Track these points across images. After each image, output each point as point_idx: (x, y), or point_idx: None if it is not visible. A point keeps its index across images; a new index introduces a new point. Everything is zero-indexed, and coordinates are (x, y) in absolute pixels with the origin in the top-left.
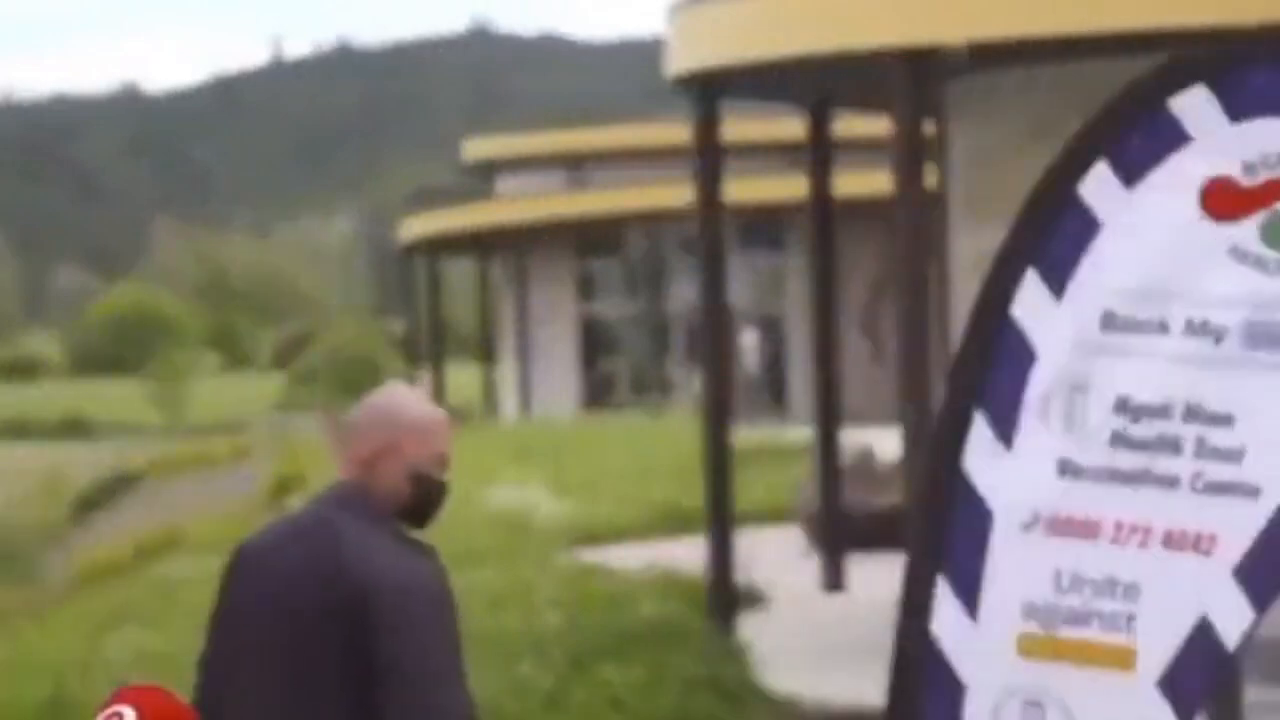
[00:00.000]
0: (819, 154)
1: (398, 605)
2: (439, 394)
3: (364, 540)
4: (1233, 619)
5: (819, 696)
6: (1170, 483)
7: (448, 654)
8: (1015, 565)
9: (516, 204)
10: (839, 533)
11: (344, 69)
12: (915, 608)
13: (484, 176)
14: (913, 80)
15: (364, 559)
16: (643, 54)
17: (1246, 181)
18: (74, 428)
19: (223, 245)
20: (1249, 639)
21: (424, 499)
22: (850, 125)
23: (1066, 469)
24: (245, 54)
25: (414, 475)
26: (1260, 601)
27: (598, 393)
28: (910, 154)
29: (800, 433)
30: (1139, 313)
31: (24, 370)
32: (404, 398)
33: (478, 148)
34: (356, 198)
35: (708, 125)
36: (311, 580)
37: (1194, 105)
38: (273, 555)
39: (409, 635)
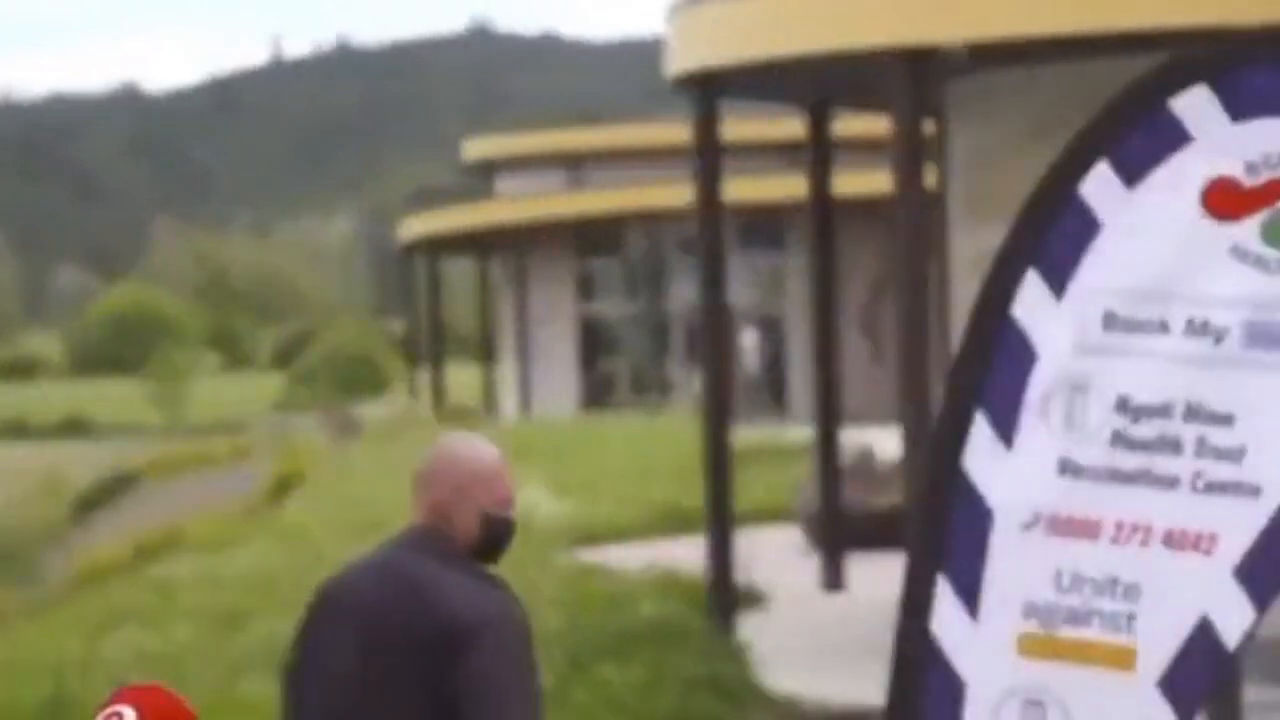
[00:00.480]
0: (819, 154)
1: (481, 641)
2: (439, 394)
3: (444, 578)
4: (1233, 618)
5: (819, 696)
6: (1171, 482)
7: (527, 687)
8: (1016, 565)
9: (516, 204)
10: (839, 532)
11: (344, 69)
12: (915, 607)
13: (484, 176)
14: (912, 80)
15: (447, 596)
16: (643, 54)
17: (1248, 181)
18: (74, 427)
19: (223, 245)
20: (1249, 638)
21: (494, 537)
22: (850, 125)
23: (1067, 468)
24: (245, 54)
25: (484, 517)
26: (1261, 601)
27: (598, 393)
28: (910, 154)
29: (800, 432)
30: (1139, 313)
31: (24, 370)
32: (470, 447)
33: (477, 147)
34: (356, 198)
35: (707, 125)
36: (397, 618)
37: (1195, 105)
38: (357, 594)
39: (492, 670)
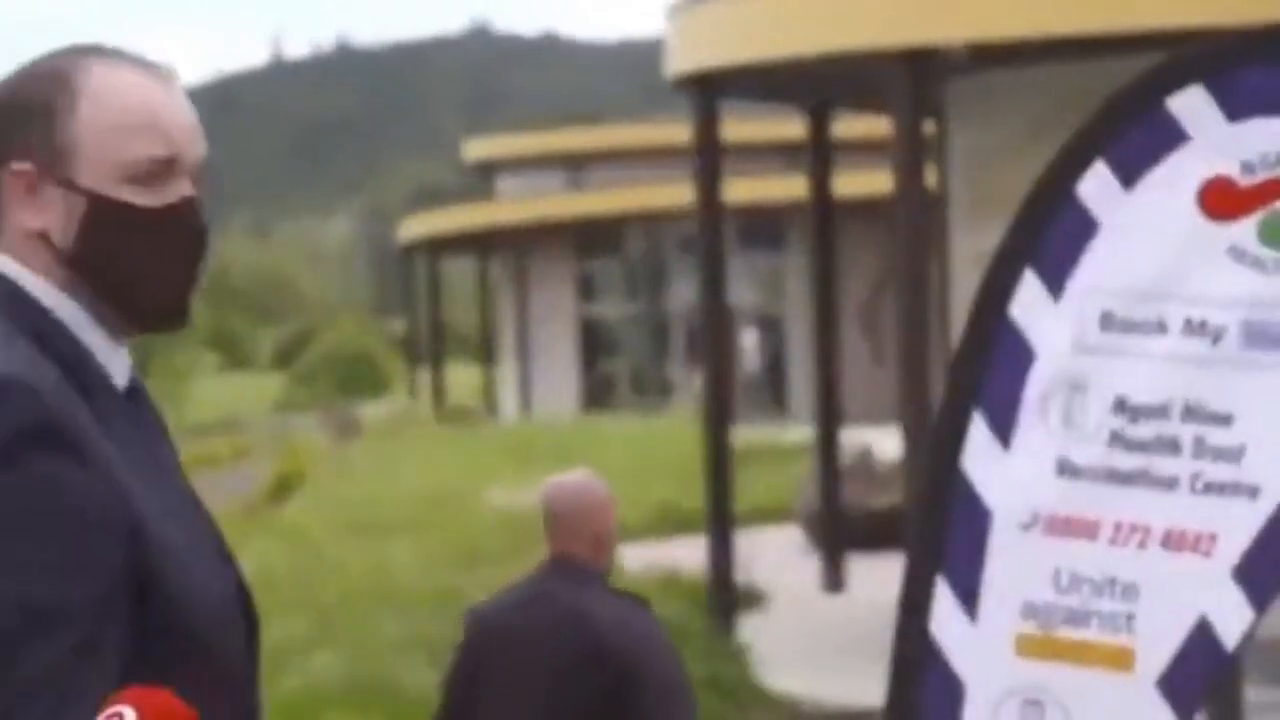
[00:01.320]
0: (819, 154)
1: (643, 653)
2: (439, 394)
3: (616, 608)
4: (1232, 619)
5: (818, 696)
6: (1169, 483)
7: (685, 693)
8: (1014, 565)
9: (516, 204)
10: (839, 533)
11: (344, 69)
12: (915, 607)
13: (484, 176)
14: (912, 80)
15: (602, 617)
16: (643, 54)
17: (1244, 181)
18: None
19: (223, 245)
20: (1249, 639)
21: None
22: (850, 125)
23: (1065, 469)
24: (245, 54)
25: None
26: (1260, 601)
27: (598, 393)
28: (910, 154)
29: (800, 432)
30: (1137, 313)
31: None
32: (602, 484)
33: (477, 148)
34: (356, 198)
35: (707, 125)
36: (561, 637)
37: (1191, 105)
38: (518, 619)
39: (657, 681)
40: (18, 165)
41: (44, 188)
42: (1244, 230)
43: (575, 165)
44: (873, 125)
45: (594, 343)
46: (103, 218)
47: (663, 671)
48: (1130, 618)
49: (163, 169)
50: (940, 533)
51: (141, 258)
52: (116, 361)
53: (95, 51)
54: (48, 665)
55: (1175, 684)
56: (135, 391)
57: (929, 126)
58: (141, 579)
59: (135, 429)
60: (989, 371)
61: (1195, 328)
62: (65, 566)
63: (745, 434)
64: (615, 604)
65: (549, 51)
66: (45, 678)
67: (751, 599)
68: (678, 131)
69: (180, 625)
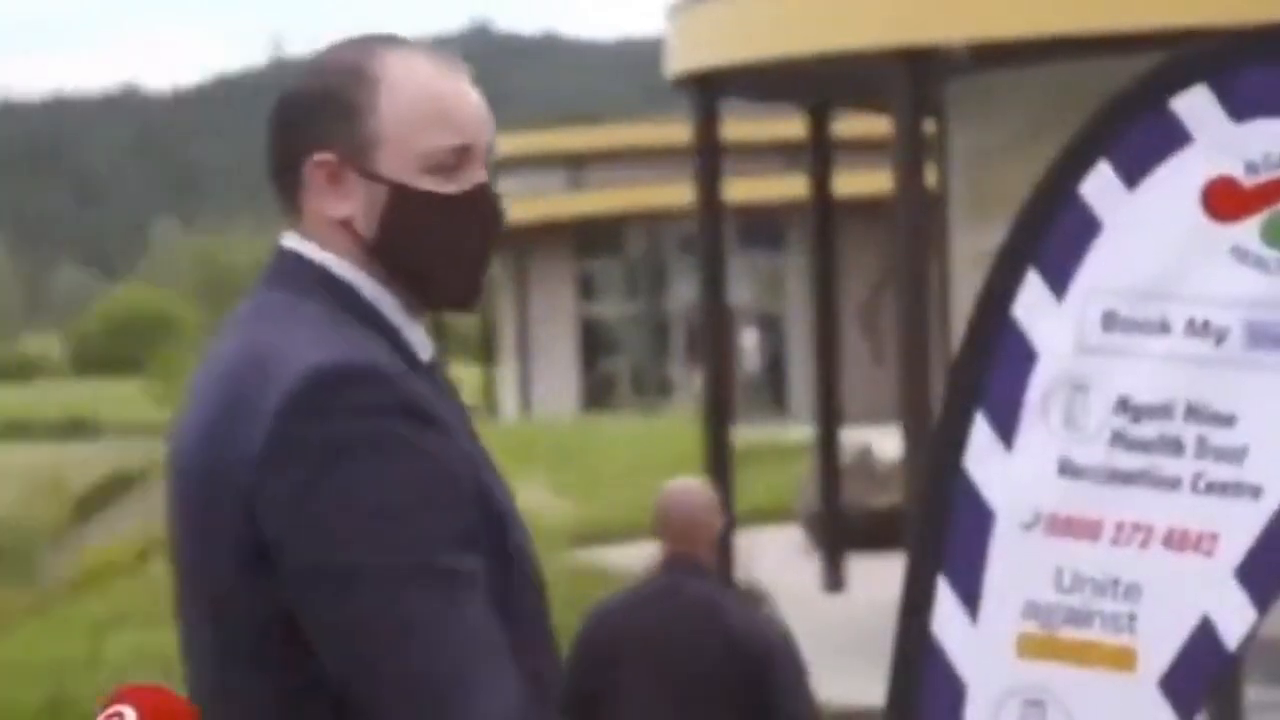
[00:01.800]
0: (819, 154)
1: (775, 639)
2: None
3: (738, 604)
4: (1234, 619)
5: (819, 696)
6: (1171, 483)
7: (808, 675)
8: (1016, 565)
9: (516, 204)
10: (839, 533)
11: None
12: (915, 607)
13: None
14: (913, 80)
15: (731, 608)
16: (643, 54)
17: (1248, 181)
18: (75, 427)
19: (223, 245)
20: (1250, 639)
21: None
22: (850, 125)
23: (1067, 469)
24: (245, 54)
25: None
26: (1262, 601)
27: (598, 393)
28: (910, 154)
29: (800, 432)
30: (1139, 313)
31: (24, 370)
32: (710, 489)
33: None
34: None
35: (708, 125)
36: (696, 629)
37: (1195, 104)
38: (649, 613)
39: (791, 664)
40: (320, 156)
41: (346, 177)
42: (1247, 230)
43: (575, 165)
44: (873, 125)
45: (594, 342)
46: (404, 206)
47: (792, 655)
48: (1132, 618)
49: (458, 158)
50: (941, 533)
51: (441, 243)
52: (417, 336)
53: (388, 42)
54: (452, 626)
55: (1177, 684)
56: (435, 363)
57: (929, 126)
58: (495, 540)
59: (448, 399)
60: (991, 372)
61: (1198, 328)
62: (449, 534)
63: (745, 434)
64: (735, 596)
65: (549, 51)
66: (451, 641)
67: (751, 599)
68: (678, 131)
69: (528, 580)
